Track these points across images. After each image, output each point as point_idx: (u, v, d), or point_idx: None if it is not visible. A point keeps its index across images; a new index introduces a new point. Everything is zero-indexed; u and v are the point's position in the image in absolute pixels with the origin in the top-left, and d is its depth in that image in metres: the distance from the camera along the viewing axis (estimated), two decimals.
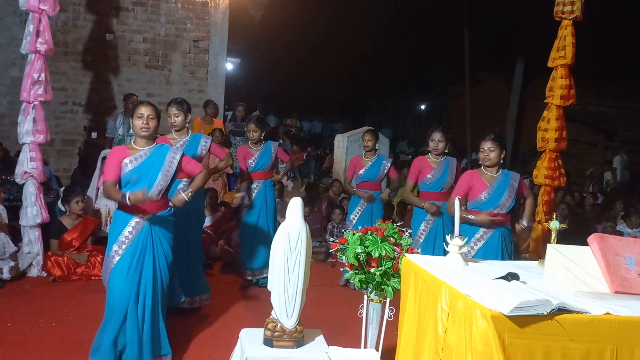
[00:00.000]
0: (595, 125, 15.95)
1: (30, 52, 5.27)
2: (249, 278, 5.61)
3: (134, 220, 3.53)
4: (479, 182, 4.18)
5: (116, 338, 3.46)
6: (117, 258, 3.51)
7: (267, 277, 5.42)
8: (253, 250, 5.60)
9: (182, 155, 3.71)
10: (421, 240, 4.94)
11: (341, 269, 3.32)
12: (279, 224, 3.28)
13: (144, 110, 3.57)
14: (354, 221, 5.73)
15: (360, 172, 5.81)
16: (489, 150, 4.14)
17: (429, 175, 5.02)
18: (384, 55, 19.97)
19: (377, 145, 5.96)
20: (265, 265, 5.56)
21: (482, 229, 4.14)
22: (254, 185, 5.60)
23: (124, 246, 3.51)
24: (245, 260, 5.65)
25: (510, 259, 4.08)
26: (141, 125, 3.55)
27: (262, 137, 5.57)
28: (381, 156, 5.94)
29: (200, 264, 4.89)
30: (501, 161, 4.19)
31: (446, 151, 5.09)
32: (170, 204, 3.73)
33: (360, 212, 5.78)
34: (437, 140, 4.99)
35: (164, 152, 3.62)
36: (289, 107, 19.65)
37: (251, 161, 5.54)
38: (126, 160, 3.53)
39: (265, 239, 5.54)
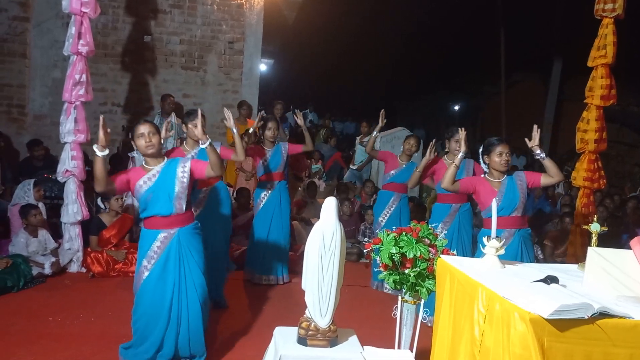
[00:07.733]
0: (636, 126, 15.48)
1: (72, 54, 5.43)
2: (250, 280, 5.62)
3: (162, 235, 3.55)
4: (487, 190, 4.01)
5: (158, 347, 3.56)
6: (147, 273, 3.55)
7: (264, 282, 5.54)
8: (261, 253, 5.60)
9: (191, 160, 3.67)
10: None
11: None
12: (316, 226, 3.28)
13: (144, 129, 3.53)
14: (382, 223, 5.69)
15: (392, 172, 5.76)
16: (507, 154, 4.01)
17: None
18: (417, 56, 19.78)
19: None
20: (270, 269, 5.60)
21: (503, 234, 3.90)
22: (268, 186, 5.62)
23: (152, 261, 3.54)
24: (251, 261, 5.68)
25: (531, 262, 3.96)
26: (145, 144, 3.52)
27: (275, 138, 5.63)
28: (414, 162, 5.82)
29: (223, 270, 4.91)
30: None
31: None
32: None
33: (388, 214, 5.74)
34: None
35: (174, 166, 3.59)
36: (321, 108, 19.70)
37: (264, 160, 5.57)
38: (140, 182, 3.52)
39: (275, 243, 5.57)
